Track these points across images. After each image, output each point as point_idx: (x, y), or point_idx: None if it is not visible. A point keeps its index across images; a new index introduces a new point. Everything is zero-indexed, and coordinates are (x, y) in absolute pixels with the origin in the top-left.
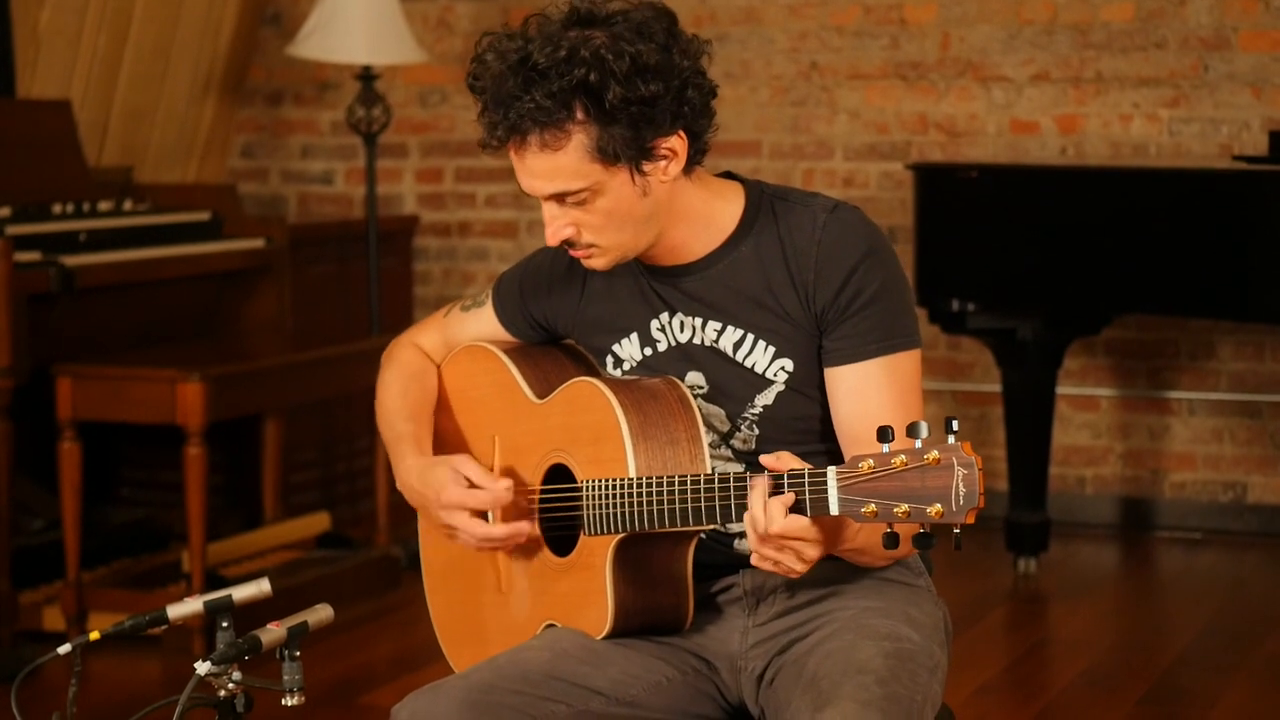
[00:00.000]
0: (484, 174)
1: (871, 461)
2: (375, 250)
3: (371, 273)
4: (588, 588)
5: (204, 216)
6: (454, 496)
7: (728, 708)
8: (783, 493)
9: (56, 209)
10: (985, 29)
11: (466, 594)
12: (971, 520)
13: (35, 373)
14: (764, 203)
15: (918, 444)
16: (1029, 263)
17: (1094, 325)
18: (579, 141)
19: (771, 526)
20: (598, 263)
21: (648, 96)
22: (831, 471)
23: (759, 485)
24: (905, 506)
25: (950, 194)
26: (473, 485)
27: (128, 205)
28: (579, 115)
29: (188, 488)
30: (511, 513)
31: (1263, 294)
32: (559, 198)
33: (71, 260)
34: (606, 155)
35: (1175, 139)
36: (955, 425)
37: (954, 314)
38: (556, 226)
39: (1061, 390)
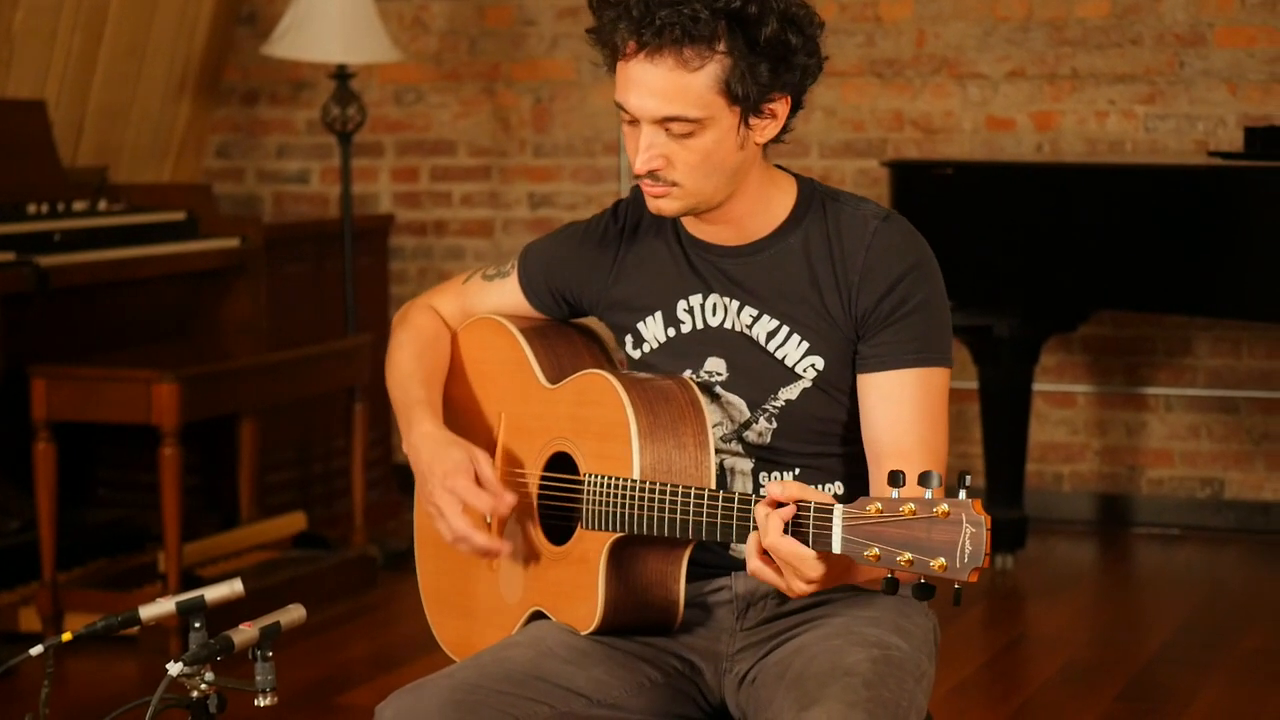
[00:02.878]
0: (459, 173)
1: (880, 505)
2: (350, 249)
3: (347, 272)
4: (580, 581)
5: (179, 216)
6: (459, 486)
7: (709, 709)
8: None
9: (31, 209)
10: (960, 26)
11: (456, 566)
12: (974, 579)
13: (10, 373)
14: (815, 198)
15: (928, 494)
16: (1005, 260)
17: (1070, 322)
18: (715, 69)
19: (765, 538)
20: (670, 205)
21: (793, 45)
22: (838, 509)
23: (762, 506)
24: (909, 555)
25: (926, 191)
26: (479, 482)
27: (103, 205)
28: (722, 44)
29: (163, 488)
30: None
31: (1239, 290)
32: (666, 124)
33: (46, 260)
34: (732, 92)
35: (1151, 135)
36: (969, 480)
37: None
38: (651, 154)
39: (1038, 387)
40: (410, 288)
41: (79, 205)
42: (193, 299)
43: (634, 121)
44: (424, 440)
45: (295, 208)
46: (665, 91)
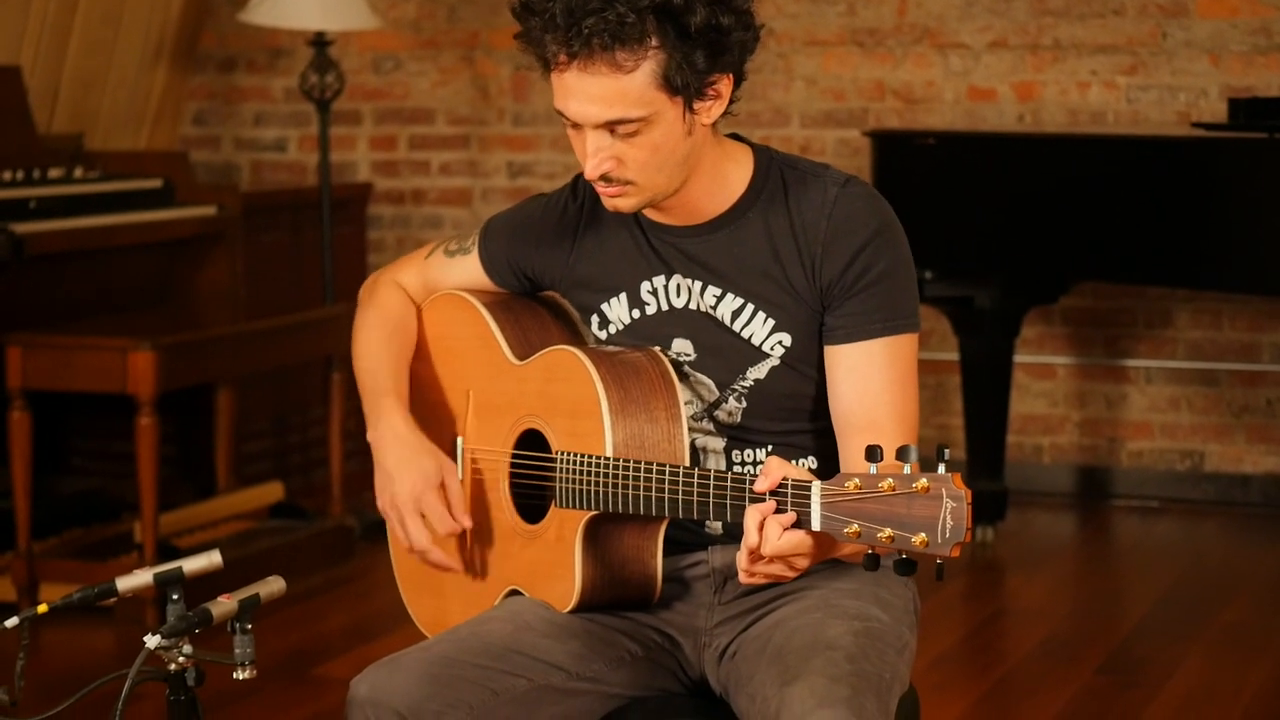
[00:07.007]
0: (438, 141)
1: (858, 481)
2: (328, 218)
3: (325, 241)
4: (555, 560)
5: (156, 184)
6: (426, 502)
7: (689, 683)
8: (785, 511)
9: (6, 176)
10: None
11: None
12: (956, 554)
13: None
14: (773, 169)
15: (907, 469)
16: (986, 231)
17: (1051, 293)
18: (650, 66)
19: (765, 548)
20: (627, 203)
21: (724, 27)
22: (816, 486)
23: (755, 512)
24: (889, 531)
25: (907, 161)
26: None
27: (78, 172)
28: (654, 40)
29: (139, 458)
30: (475, 487)
31: (1220, 262)
32: (611, 126)
33: (21, 228)
34: (671, 84)
35: (1133, 106)
36: (947, 454)
37: None
38: (600, 159)
39: (1019, 359)
40: (388, 256)
41: (54, 172)
42: (169, 267)
43: (577, 126)
44: (394, 441)
45: (273, 176)
46: (604, 97)
